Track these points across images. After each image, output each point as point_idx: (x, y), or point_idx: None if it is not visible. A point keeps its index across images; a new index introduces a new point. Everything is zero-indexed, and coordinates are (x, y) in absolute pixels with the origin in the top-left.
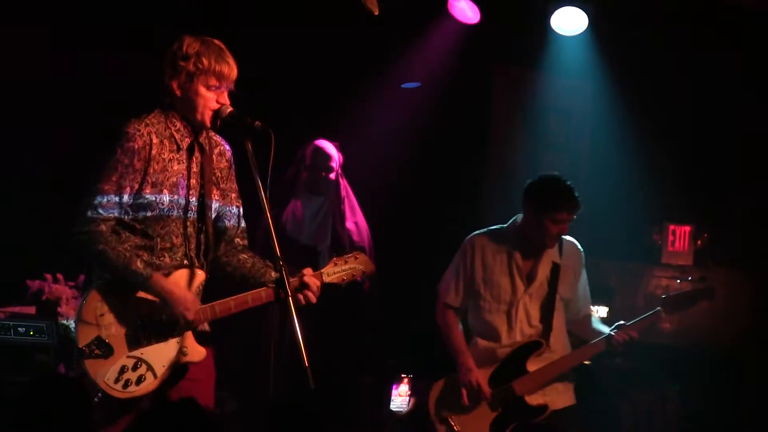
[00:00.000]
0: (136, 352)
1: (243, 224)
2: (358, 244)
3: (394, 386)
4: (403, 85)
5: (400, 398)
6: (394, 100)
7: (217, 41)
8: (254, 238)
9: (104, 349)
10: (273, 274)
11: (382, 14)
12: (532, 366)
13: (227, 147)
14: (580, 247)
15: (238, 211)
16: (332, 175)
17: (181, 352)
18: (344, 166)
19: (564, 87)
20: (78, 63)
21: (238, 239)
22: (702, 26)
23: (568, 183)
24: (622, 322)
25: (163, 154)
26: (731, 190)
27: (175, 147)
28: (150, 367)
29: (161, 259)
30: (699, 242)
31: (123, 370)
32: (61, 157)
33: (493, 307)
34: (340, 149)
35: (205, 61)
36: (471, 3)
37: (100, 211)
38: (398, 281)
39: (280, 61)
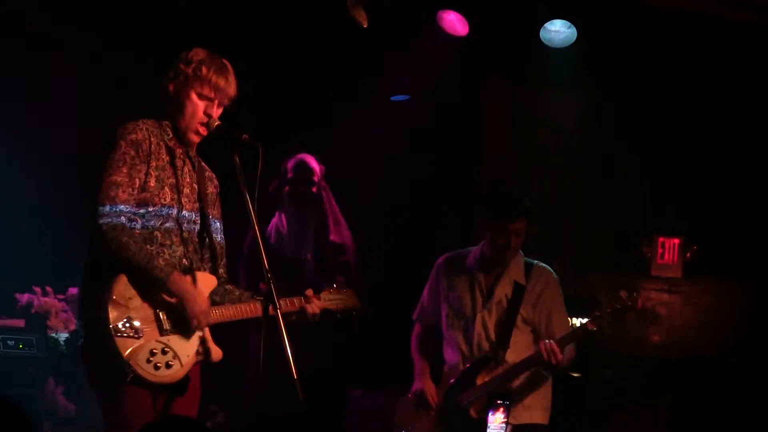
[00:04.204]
0: (164, 339)
1: (224, 258)
2: (343, 259)
3: (490, 412)
4: (392, 98)
5: (495, 426)
6: (383, 113)
7: (225, 60)
8: (241, 251)
9: (135, 331)
10: (244, 292)
11: (371, 27)
12: (480, 380)
13: (213, 174)
14: (555, 275)
15: (224, 241)
16: (314, 189)
17: (202, 346)
18: (333, 179)
19: (554, 100)
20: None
21: (221, 270)
22: (692, 38)
23: (515, 193)
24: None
25: (161, 153)
26: (721, 202)
27: (170, 153)
28: (177, 355)
29: (161, 255)
30: (688, 254)
31: (152, 353)
32: (52, 169)
33: (455, 323)
34: (322, 161)
35: (204, 69)
36: (460, 16)
37: (118, 202)
38: (387, 295)
39: (268, 73)
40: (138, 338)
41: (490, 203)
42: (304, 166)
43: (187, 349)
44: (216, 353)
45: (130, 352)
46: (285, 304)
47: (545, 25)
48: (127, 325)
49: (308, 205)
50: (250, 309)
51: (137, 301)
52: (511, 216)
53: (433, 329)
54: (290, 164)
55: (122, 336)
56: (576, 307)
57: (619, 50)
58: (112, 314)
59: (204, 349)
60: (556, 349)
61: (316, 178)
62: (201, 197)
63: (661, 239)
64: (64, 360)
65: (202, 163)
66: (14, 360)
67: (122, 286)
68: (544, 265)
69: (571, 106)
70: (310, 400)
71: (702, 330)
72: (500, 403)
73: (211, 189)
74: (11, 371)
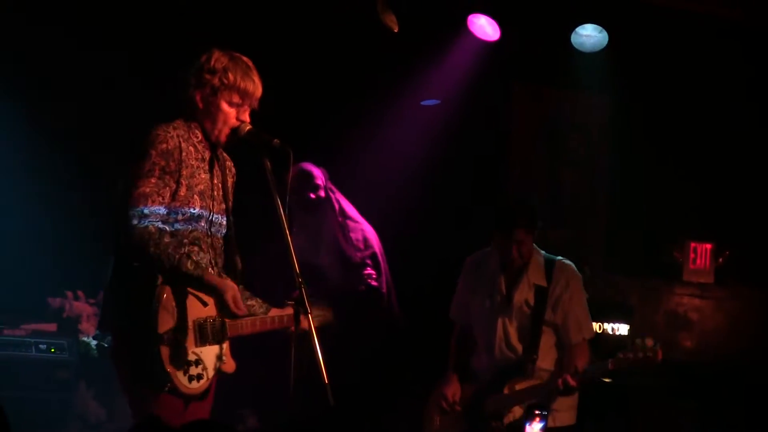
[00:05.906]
0: (198, 350)
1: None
2: (368, 252)
3: (526, 424)
4: (422, 103)
5: None
6: (413, 118)
7: (245, 58)
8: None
9: (178, 341)
10: (263, 303)
11: (401, 31)
12: (508, 389)
13: (231, 162)
14: (577, 272)
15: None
16: (321, 193)
17: (221, 359)
18: (362, 182)
19: (584, 104)
20: (100, 68)
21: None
22: (723, 42)
23: (519, 202)
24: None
25: (190, 160)
26: (753, 207)
27: (199, 156)
28: (205, 368)
29: (189, 258)
30: (720, 260)
31: (188, 364)
32: (82, 174)
33: (477, 326)
34: (322, 164)
35: (231, 77)
36: (491, 20)
37: (147, 213)
38: (415, 298)
39: (299, 78)
40: (179, 348)
41: (495, 213)
42: (303, 174)
43: (211, 362)
44: (230, 365)
45: (171, 361)
46: (273, 321)
47: (576, 29)
48: (173, 333)
49: (317, 209)
50: (270, 323)
51: (181, 310)
52: (507, 227)
53: (466, 326)
54: (290, 177)
55: (167, 345)
56: (606, 311)
57: (650, 54)
58: (162, 321)
59: (224, 361)
60: (572, 383)
61: (318, 182)
62: (225, 196)
63: (693, 244)
64: (96, 364)
65: (223, 154)
66: (46, 364)
67: (169, 293)
68: (565, 261)
69: (602, 109)
70: (343, 403)
71: (733, 335)
72: (538, 413)
73: (230, 179)
74: (43, 375)
